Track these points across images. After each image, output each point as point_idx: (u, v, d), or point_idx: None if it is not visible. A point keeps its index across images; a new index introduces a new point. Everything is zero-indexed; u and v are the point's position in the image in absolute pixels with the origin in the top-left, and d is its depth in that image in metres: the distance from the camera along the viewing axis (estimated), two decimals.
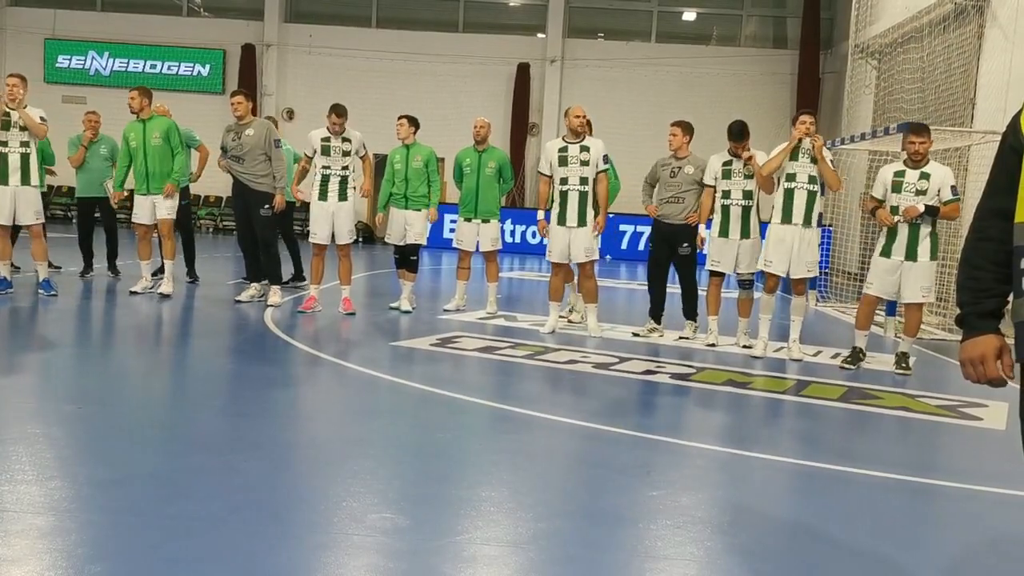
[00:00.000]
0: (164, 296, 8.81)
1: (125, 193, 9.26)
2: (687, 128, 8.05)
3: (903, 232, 7.02)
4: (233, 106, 8.57)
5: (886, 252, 7.11)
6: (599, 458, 4.40)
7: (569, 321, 8.60)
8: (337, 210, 8.32)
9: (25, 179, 8.22)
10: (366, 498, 3.58)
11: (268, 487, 3.62)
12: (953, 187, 7.00)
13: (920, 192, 6.94)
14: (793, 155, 7.27)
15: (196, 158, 10.05)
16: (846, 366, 7.18)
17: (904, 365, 7.10)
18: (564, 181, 7.81)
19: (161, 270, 9.77)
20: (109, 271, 10.16)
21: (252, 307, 8.56)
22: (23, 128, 8.15)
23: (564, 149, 7.83)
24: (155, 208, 8.84)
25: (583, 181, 7.79)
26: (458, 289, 9.13)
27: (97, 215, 10.30)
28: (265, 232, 8.64)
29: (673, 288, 8.36)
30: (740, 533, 3.45)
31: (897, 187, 7.05)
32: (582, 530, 3.35)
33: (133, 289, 8.88)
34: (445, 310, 8.94)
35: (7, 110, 8.06)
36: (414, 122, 8.80)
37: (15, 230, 8.76)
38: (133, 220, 9.07)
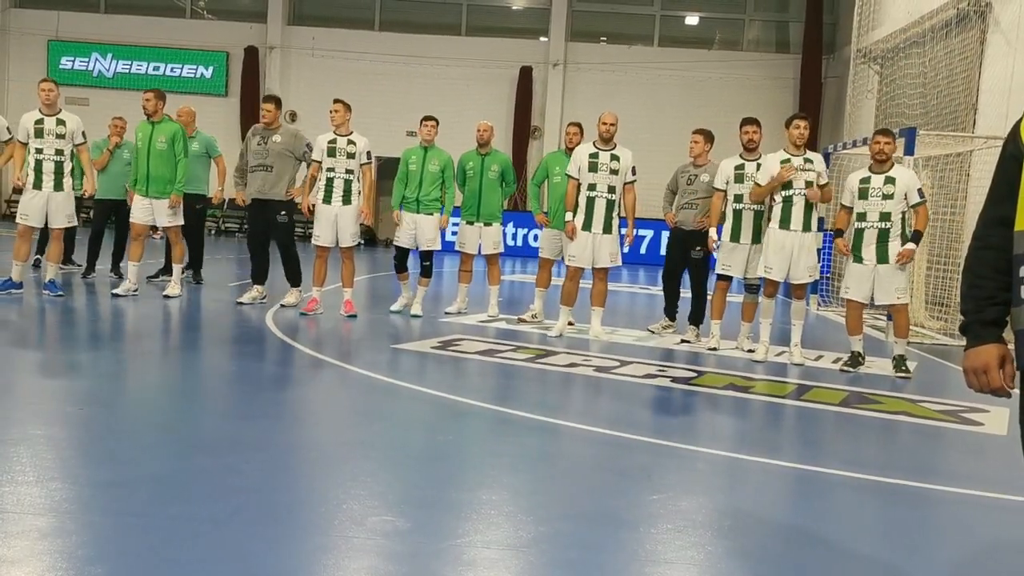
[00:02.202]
0: (169, 297, 8.82)
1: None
2: (708, 136, 8.15)
3: (872, 237, 7.08)
4: (263, 113, 8.60)
5: (858, 258, 7.19)
6: (599, 461, 4.41)
7: (530, 320, 8.63)
8: (341, 213, 8.32)
9: (58, 185, 8.38)
10: (366, 500, 3.58)
11: (269, 489, 3.63)
12: (919, 190, 7.08)
13: (887, 196, 7.02)
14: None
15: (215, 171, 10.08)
16: (846, 369, 7.23)
17: (903, 368, 7.11)
18: (592, 187, 7.82)
19: (164, 271, 9.78)
20: (112, 272, 10.17)
21: (254, 309, 8.57)
22: (59, 136, 8.34)
23: (595, 156, 7.84)
24: (154, 211, 8.75)
25: (611, 189, 7.83)
26: (460, 292, 9.14)
27: (112, 219, 10.32)
28: (282, 237, 8.67)
29: (684, 292, 8.39)
30: (740, 537, 3.45)
31: (864, 193, 7.10)
32: (582, 533, 3.35)
33: (115, 291, 8.80)
34: (446, 313, 8.95)
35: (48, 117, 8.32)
36: (438, 124, 8.81)
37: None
38: (131, 219, 9.03)
